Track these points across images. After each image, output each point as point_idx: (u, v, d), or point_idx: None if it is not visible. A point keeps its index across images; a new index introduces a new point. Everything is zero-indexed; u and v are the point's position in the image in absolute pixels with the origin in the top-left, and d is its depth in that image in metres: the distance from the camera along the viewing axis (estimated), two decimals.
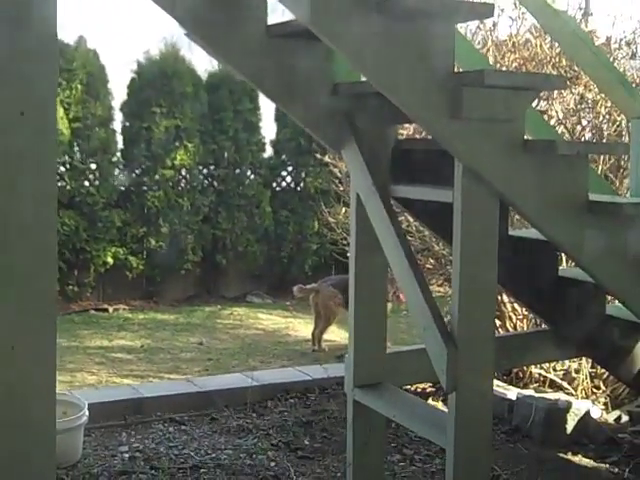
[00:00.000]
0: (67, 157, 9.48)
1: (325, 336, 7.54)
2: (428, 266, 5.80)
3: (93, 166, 9.74)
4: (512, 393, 5.05)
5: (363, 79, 3.48)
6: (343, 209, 6.89)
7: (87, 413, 4.50)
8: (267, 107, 10.72)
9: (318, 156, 8.42)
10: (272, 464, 4.41)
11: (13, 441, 2.02)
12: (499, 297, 5.32)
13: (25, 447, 2.02)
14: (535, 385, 5.40)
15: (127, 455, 4.55)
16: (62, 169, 9.46)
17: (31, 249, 1.98)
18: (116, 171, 10.06)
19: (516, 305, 5.43)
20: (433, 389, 5.45)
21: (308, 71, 3.53)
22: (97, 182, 9.73)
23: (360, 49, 2.76)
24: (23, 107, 1.93)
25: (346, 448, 3.73)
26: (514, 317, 5.52)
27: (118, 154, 10.08)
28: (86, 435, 4.66)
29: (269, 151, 10.86)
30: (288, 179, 10.91)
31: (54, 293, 2.06)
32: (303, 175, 10.76)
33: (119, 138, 10.10)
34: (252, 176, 10.55)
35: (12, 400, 2.00)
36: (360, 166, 3.57)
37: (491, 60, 5.51)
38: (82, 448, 4.52)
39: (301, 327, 8.42)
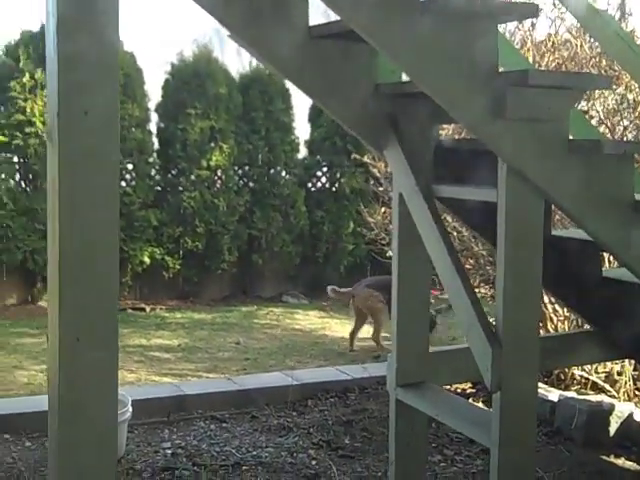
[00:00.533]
0: None
1: (360, 335, 7.57)
2: (467, 266, 5.79)
3: (130, 166, 9.84)
4: (554, 395, 5.03)
5: (405, 79, 3.50)
6: (382, 209, 6.90)
7: (131, 409, 4.54)
8: (301, 107, 10.78)
9: (357, 156, 8.43)
10: (313, 462, 4.43)
11: (76, 430, 2.06)
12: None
13: (87, 436, 2.07)
14: (577, 387, 5.37)
15: (170, 451, 4.59)
16: None
17: (95, 246, 2.02)
18: (152, 171, 10.14)
19: (557, 306, 5.40)
20: (473, 390, 5.45)
21: (350, 71, 3.54)
22: (133, 182, 9.82)
23: (403, 49, 2.77)
24: (87, 107, 1.98)
25: (387, 447, 3.74)
26: (555, 318, 5.49)
27: (154, 155, 10.15)
28: (129, 431, 4.71)
29: (303, 151, 10.89)
30: (323, 179, 10.94)
31: (116, 287, 2.11)
32: (338, 175, 10.77)
33: (155, 139, 10.18)
34: (287, 176, 10.59)
35: (75, 390, 2.05)
36: (403, 166, 3.58)
37: (530, 60, 5.48)
38: (125, 444, 4.57)
39: (337, 327, 8.44)
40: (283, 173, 10.59)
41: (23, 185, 9.55)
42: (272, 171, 10.49)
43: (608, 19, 4.36)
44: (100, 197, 2.02)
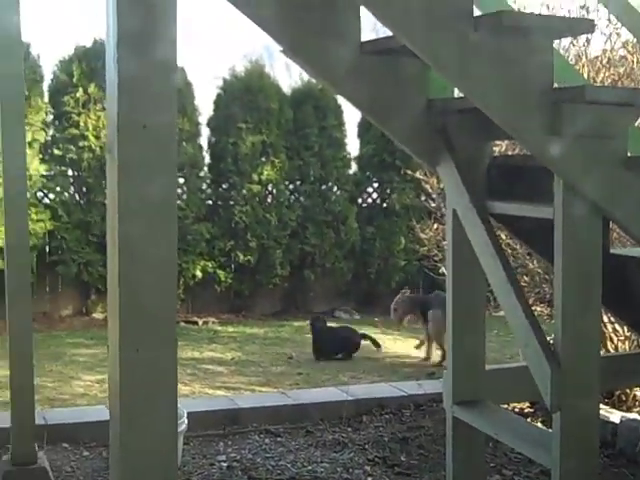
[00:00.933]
0: None
1: (414, 352, 7.55)
2: (522, 284, 5.72)
3: (181, 180, 9.94)
4: (615, 416, 4.92)
5: (458, 95, 3.49)
6: (435, 225, 6.87)
7: (186, 421, 4.58)
8: (350, 123, 10.79)
9: (408, 172, 8.42)
10: (369, 479, 4.44)
11: (136, 440, 2.08)
12: None
13: (147, 446, 2.09)
14: (639, 408, 5.28)
15: (225, 464, 4.63)
16: None
17: (154, 258, 2.05)
18: (204, 185, 10.23)
19: (617, 325, 5.31)
20: (531, 409, 5.39)
21: (402, 87, 3.54)
22: (185, 196, 9.91)
23: (456, 65, 2.77)
24: (145, 120, 2.00)
25: (443, 466, 3.71)
26: (615, 338, 5.39)
27: (205, 169, 10.24)
28: (185, 443, 4.77)
29: (353, 167, 10.89)
30: (374, 195, 10.93)
31: (174, 299, 2.13)
32: (388, 191, 10.76)
33: (206, 153, 10.27)
34: (338, 192, 10.60)
35: (135, 401, 2.08)
36: (456, 182, 3.57)
37: (585, 76, 5.42)
38: (181, 456, 4.62)
39: (390, 343, 8.41)
40: (334, 189, 10.60)
41: (77, 198, 9.72)
42: (323, 187, 10.51)
43: None
44: (158, 210, 2.05)
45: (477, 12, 3.55)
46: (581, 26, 3.28)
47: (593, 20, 3.76)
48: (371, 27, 3.51)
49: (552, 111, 2.83)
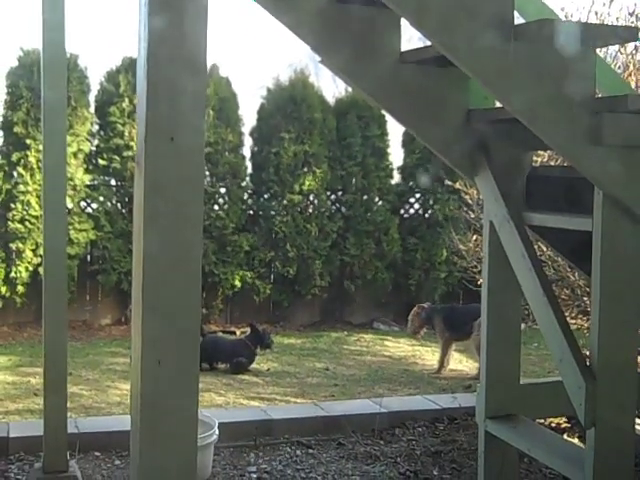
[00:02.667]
0: None
1: (451, 365, 7.48)
2: (563, 297, 5.63)
3: (222, 190, 9.95)
4: None
5: (498, 105, 3.44)
6: (474, 236, 6.81)
7: (217, 432, 4.56)
8: (395, 133, 10.74)
9: (448, 182, 8.35)
10: None
11: (156, 452, 2.06)
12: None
13: (167, 458, 2.06)
14: None
15: (255, 476, 4.60)
16: None
17: (178, 269, 2.03)
18: (245, 195, 10.24)
19: None
20: (568, 424, 5.29)
21: (441, 97, 3.51)
22: (226, 206, 9.92)
23: (496, 75, 2.73)
24: (173, 133, 1.99)
25: None
26: None
27: (247, 179, 10.25)
28: (216, 454, 4.73)
29: (396, 177, 10.83)
30: (416, 206, 10.86)
31: (198, 312, 2.11)
32: (431, 202, 10.68)
33: (248, 163, 10.29)
34: (380, 202, 10.54)
35: (156, 413, 2.05)
36: (494, 193, 3.52)
37: (633, 85, 5.34)
38: (212, 466, 4.58)
39: (428, 355, 8.33)
40: (376, 199, 10.54)
41: (120, 207, 9.76)
42: (365, 197, 10.46)
43: None
44: (185, 221, 2.03)
45: (520, 20, 3.54)
46: (625, 34, 3.20)
47: (638, 28, 3.69)
48: (407, 38, 3.48)
49: (593, 120, 2.78)
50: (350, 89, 10.45)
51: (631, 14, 5.56)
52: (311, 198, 10.28)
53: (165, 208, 2.00)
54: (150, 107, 1.99)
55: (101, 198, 9.59)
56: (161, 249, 2.01)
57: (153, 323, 2.02)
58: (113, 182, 9.77)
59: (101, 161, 9.53)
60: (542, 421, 5.00)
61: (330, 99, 10.62)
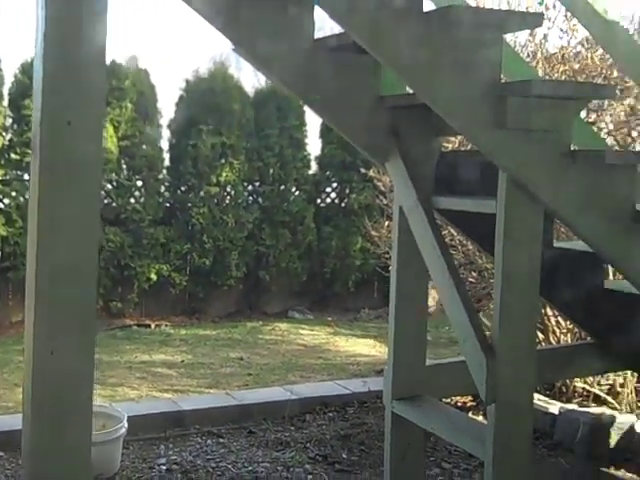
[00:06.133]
0: (114, 175, 9.55)
1: (365, 351, 7.49)
2: (471, 280, 5.74)
3: (139, 183, 9.82)
4: (555, 407, 4.98)
5: (408, 91, 3.47)
6: (386, 223, 6.86)
7: (126, 425, 4.49)
8: (313, 124, 10.75)
9: (362, 171, 8.39)
10: (309, 477, 4.38)
11: (49, 444, 2.02)
12: (543, 310, 5.24)
13: (60, 449, 2.02)
14: (579, 399, 5.31)
15: (165, 467, 4.54)
16: (109, 186, 9.55)
17: (73, 259, 1.99)
18: (162, 188, 10.14)
19: (560, 318, 5.33)
20: (474, 403, 5.38)
21: (353, 84, 3.52)
22: (143, 199, 9.81)
23: (405, 60, 2.75)
24: (70, 117, 1.95)
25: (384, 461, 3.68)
26: (558, 330, 5.42)
27: (164, 171, 10.15)
28: (125, 447, 4.65)
29: (314, 167, 10.86)
30: (332, 195, 10.89)
31: (93, 302, 2.07)
32: (347, 191, 10.74)
33: (166, 155, 10.18)
34: (297, 192, 10.56)
35: (48, 403, 2.01)
36: (404, 179, 3.55)
37: (541, 72, 5.44)
38: (120, 460, 4.51)
39: (342, 342, 8.37)
40: (293, 189, 10.55)
41: None
42: (282, 187, 10.45)
43: (619, 30, 4.28)
44: (81, 208, 1.99)
45: (432, 6, 3.56)
46: (531, 20, 3.26)
47: (542, 14, 3.76)
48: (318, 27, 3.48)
49: (498, 105, 2.81)
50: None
51: (540, 3, 5.68)
52: (228, 189, 10.22)
53: (61, 195, 1.96)
54: (46, 91, 1.95)
55: (13, 193, 9.34)
56: (56, 236, 1.96)
57: (46, 312, 1.97)
58: (26, 177, 9.53)
59: (14, 155, 9.28)
60: (449, 401, 5.09)
61: (250, 90, 10.58)
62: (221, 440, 4.98)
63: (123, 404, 5.39)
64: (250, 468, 4.51)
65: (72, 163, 1.98)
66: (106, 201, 9.44)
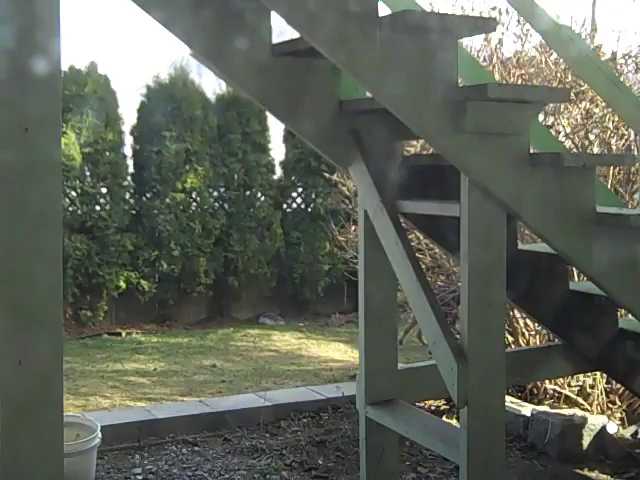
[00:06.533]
0: (78, 182, 9.50)
1: (337, 356, 7.53)
2: (439, 283, 5.77)
3: (104, 190, 9.77)
4: (527, 409, 5.01)
5: (369, 95, 3.49)
6: (353, 227, 6.88)
7: (100, 435, 4.47)
8: (276, 128, 10.75)
9: (327, 175, 8.41)
10: None
11: (20, 455, 2.01)
12: (511, 312, 5.29)
13: (31, 466, 2.02)
14: (550, 401, 5.36)
15: (140, 477, 4.54)
16: (73, 194, 9.48)
17: (36, 261, 1.98)
18: (127, 195, 10.09)
19: (528, 320, 5.38)
20: (447, 406, 5.41)
21: (314, 89, 3.53)
22: (108, 206, 9.75)
23: (363, 65, 2.77)
24: (27, 124, 1.95)
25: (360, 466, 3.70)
26: (526, 333, 5.47)
27: (129, 178, 10.10)
28: (99, 458, 4.64)
29: (279, 172, 10.86)
30: (298, 200, 10.90)
31: (59, 310, 2.07)
32: (313, 196, 10.75)
33: (130, 162, 10.13)
34: (262, 198, 10.55)
35: (16, 415, 2.00)
36: (367, 183, 3.57)
37: (497, 77, 5.51)
38: (95, 471, 4.50)
39: (314, 348, 8.39)
40: (259, 195, 10.55)
41: None
42: (248, 193, 10.45)
43: (571, 35, 4.34)
44: (43, 215, 1.99)
45: (388, 11, 3.58)
46: (484, 25, 3.28)
47: (495, 19, 3.82)
48: (278, 32, 3.49)
49: (456, 109, 2.84)
50: None
51: (493, 8, 5.76)
52: (194, 196, 10.19)
53: (22, 202, 1.96)
54: (2, 97, 1.95)
55: None
56: (19, 242, 1.96)
57: (12, 321, 1.97)
58: None
59: None
60: (422, 404, 5.12)
61: (211, 96, 10.55)
62: (196, 448, 4.99)
63: (96, 413, 5.39)
64: (227, 476, 4.52)
65: (30, 169, 1.97)
66: (71, 209, 9.39)
